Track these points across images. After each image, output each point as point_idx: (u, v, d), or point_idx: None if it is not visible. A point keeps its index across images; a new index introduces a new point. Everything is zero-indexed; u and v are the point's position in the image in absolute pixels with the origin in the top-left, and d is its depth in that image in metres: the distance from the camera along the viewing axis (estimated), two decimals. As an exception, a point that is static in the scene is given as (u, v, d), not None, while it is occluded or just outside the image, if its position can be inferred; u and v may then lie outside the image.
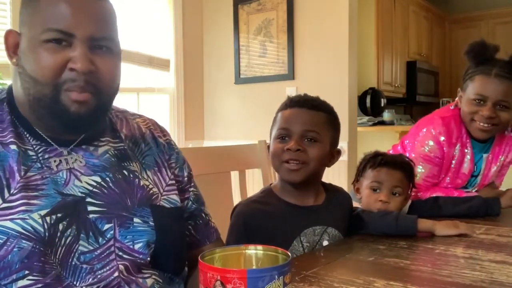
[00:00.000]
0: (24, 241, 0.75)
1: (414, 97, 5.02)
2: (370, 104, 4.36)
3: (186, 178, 1.02)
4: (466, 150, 1.58)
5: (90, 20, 0.81)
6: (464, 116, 1.55)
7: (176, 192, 0.97)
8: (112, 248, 0.83)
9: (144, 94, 3.24)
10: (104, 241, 0.83)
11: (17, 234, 0.75)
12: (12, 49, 0.84)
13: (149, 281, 0.86)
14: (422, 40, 5.28)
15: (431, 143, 1.56)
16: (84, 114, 0.82)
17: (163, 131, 1.04)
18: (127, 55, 2.98)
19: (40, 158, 0.82)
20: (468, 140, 1.57)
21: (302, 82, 3.14)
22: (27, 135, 0.84)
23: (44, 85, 0.80)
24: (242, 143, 1.87)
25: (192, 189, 1.03)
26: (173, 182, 0.97)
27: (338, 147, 1.19)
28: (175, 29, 3.35)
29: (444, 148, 1.56)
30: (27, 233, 0.76)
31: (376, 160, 1.31)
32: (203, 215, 1.04)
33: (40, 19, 0.81)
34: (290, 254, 0.65)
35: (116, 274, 0.82)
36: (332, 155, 1.15)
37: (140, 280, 0.85)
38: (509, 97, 1.47)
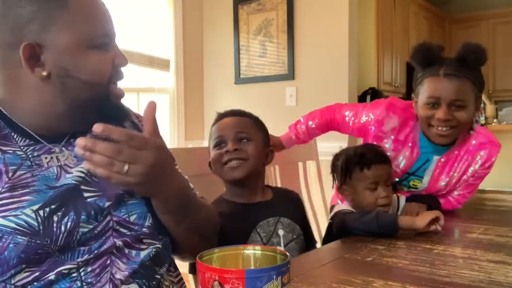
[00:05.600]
0: (19, 236, 0.75)
1: (414, 97, 5.02)
2: (370, 104, 4.35)
3: None
4: (411, 148, 1.48)
5: (110, 20, 0.89)
6: (421, 121, 1.43)
7: None
8: (111, 224, 0.85)
9: (144, 94, 3.24)
10: (102, 217, 0.84)
11: (11, 230, 0.75)
12: (32, 62, 0.80)
13: (144, 253, 0.88)
14: (422, 40, 5.27)
15: (369, 113, 1.52)
16: (121, 102, 0.93)
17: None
18: (128, 55, 2.97)
19: (30, 156, 0.82)
20: (414, 140, 1.47)
21: (302, 82, 3.14)
22: (14, 136, 0.83)
23: (101, 85, 0.86)
24: (241, 143, 1.87)
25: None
26: None
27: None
28: (175, 29, 3.35)
29: (371, 121, 1.50)
30: (21, 229, 0.76)
31: (365, 160, 1.32)
32: None
33: (80, 27, 0.83)
34: (288, 254, 0.65)
35: (111, 250, 0.84)
36: (267, 154, 1.29)
37: (134, 253, 0.87)
38: (462, 96, 1.35)
